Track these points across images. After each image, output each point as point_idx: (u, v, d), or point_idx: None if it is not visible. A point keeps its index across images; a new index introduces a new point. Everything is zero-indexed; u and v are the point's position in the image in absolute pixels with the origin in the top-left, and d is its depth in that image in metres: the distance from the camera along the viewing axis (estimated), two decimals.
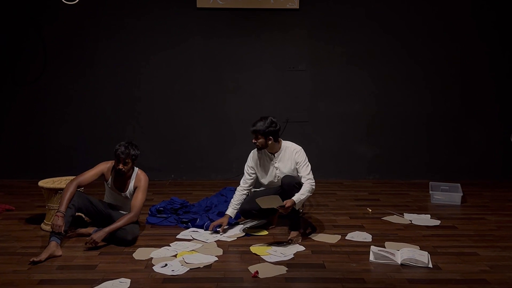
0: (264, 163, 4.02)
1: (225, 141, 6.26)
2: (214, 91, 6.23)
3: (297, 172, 3.92)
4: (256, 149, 4.03)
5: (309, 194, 3.80)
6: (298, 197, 3.70)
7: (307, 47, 6.20)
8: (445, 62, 6.21)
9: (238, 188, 4.09)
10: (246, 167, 4.08)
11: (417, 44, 6.19)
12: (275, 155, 3.97)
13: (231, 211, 4.03)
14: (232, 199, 4.07)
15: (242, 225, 4.19)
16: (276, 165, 3.97)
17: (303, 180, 3.82)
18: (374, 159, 6.33)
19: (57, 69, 6.10)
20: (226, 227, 4.05)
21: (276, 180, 4.01)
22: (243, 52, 6.19)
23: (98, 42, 6.10)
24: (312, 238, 3.91)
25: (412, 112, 6.27)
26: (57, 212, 3.57)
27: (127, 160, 3.77)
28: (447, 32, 6.18)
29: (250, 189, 4.14)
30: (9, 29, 6.02)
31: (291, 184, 3.80)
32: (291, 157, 3.93)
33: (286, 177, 3.88)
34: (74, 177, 3.87)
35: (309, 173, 3.85)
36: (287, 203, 3.62)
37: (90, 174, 3.83)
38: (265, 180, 4.09)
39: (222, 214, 4.34)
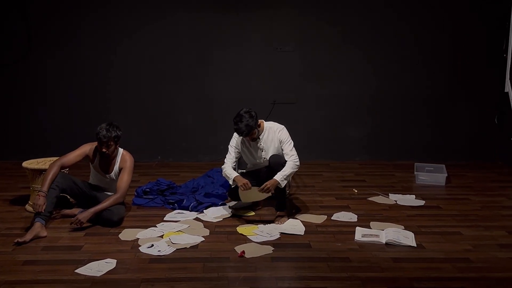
0: (248, 145, 4.01)
1: (212, 122, 6.22)
2: (200, 71, 6.17)
3: (282, 150, 3.93)
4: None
5: (293, 170, 3.80)
6: (281, 174, 3.73)
7: (296, 26, 6.14)
8: (434, 43, 6.19)
9: (226, 164, 3.95)
10: (230, 147, 4.03)
11: (407, 24, 6.15)
12: (260, 137, 3.96)
13: (234, 174, 3.89)
14: (227, 171, 3.90)
15: (228, 206, 4.19)
16: (261, 146, 3.97)
17: (286, 158, 3.84)
18: (361, 140, 6.35)
19: (39, 48, 5.97)
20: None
21: (262, 161, 4.02)
22: (230, 30, 6.11)
23: (80, 19, 5.96)
24: (299, 218, 3.93)
25: (398, 93, 6.27)
26: (38, 191, 3.53)
27: (109, 143, 3.72)
28: (441, 11, 6.12)
29: (235, 166, 4.09)
30: None
31: (278, 163, 3.81)
32: (275, 137, 3.93)
33: (273, 156, 3.89)
34: (58, 158, 3.82)
35: (292, 150, 3.86)
36: (267, 184, 3.69)
37: (74, 155, 3.78)
38: (250, 161, 4.10)
39: (209, 195, 4.35)
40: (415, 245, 3.36)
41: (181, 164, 6.03)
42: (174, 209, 4.16)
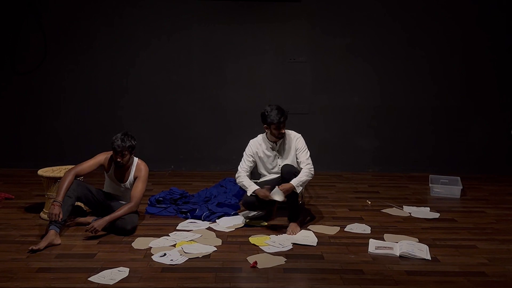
0: (265, 152, 4.00)
1: (225, 132, 6.25)
2: (214, 81, 6.21)
3: (297, 158, 3.94)
4: (256, 138, 4.04)
5: (307, 178, 3.81)
6: (297, 180, 3.75)
7: (308, 38, 6.17)
8: (448, 55, 6.18)
9: (241, 173, 3.93)
10: (245, 155, 4.01)
11: (420, 36, 6.16)
12: (277, 143, 3.95)
13: (254, 187, 3.86)
14: (245, 182, 3.89)
15: (241, 216, 4.19)
16: (277, 153, 3.98)
17: (302, 165, 3.86)
18: (374, 151, 6.32)
19: (56, 57, 6.07)
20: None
21: (276, 170, 4.02)
22: (243, 42, 6.16)
23: (96, 31, 6.07)
24: (311, 229, 3.90)
25: (413, 105, 6.25)
26: (53, 201, 3.56)
27: (124, 153, 3.75)
28: (451, 24, 6.13)
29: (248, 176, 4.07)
30: (8, 17, 5.98)
31: (290, 172, 3.81)
32: (292, 144, 3.95)
33: (286, 166, 3.89)
34: (73, 166, 3.85)
35: (308, 158, 3.89)
36: (284, 186, 3.70)
37: (89, 164, 3.82)
38: (265, 169, 4.08)
39: (221, 204, 4.35)
40: (430, 258, 3.32)
41: (194, 174, 6.05)
42: (186, 218, 4.17)
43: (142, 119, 6.20)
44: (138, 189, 3.82)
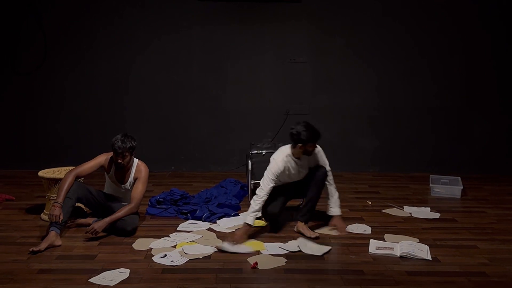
0: (289, 168, 3.85)
1: (225, 133, 6.25)
2: (214, 82, 6.21)
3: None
4: (281, 158, 3.80)
5: (335, 190, 4.00)
6: (335, 205, 3.96)
7: (308, 38, 6.17)
8: (448, 55, 6.18)
9: (257, 198, 3.68)
10: (271, 175, 3.73)
11: (420, 36, 6.16)
12: (301, 158, 3.86)
13: (251, 219, 3.63)
14: (250, 208, 3.65)
15: (241, 217, 4.18)
16: (301, 167, 3.90)
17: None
18: (374, 152, 6.32)
19: (56, 58, 6.07)
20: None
21: (297, 178, 3.97)
22: (244, 43, 6.16)
23: (97, 31, 6.07)
24: (312, 230, 3.90)
25: (413, 105, 6.25)
26: (54, 202, 3.56)
27: (125, 154, 3.75)
28: (451, 24, 6.14)
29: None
30: (8, 17, 5.99)
31: (323, 174, 3.89)
32: (314, 157, 3.90)
33: (315, 168, 3.92)
34: (73, 167, 3.86)
35: (328, 165, 3.98)
36: (336, 225, 3.92)
37: (89, 166, 3.82)
38: (289, 179, 3.94)
39: (222, 205, 4.35)
40: (430, 259, 3.32)
41: (194, 174, 6.05)
42: (187, 219, 4.17)
43: (143, 119, 6.20)
44: (138, 190, 3.82)
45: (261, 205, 3.69)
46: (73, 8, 6.01)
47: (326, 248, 3.46)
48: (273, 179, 3.73)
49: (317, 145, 3.88)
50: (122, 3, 6.05)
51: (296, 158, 3.84)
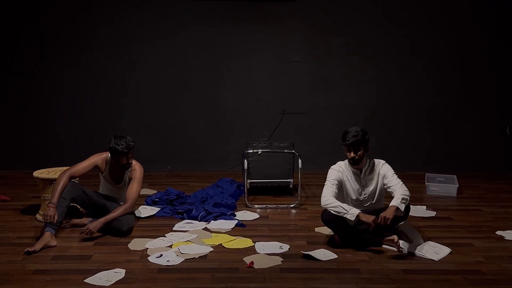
0: (350, 179, 3.59)
1: (222, 133, 6.24)
2: (210, 81, 6.20)
3: (384, 185, 3.52)
4: (338, 164, 3.65)
5: (406, 194, 3.35)
6: (398, 199, 3.30)
7: (304, 37, 6.17)
8: (444, 54, 6.20)
9: (328, 197, 3.41)
10: (328, 182, 3.53)
11: (416, 35, 6.17)
12: (362, 170, 3.57)
13: (355, 210, 3.32)
14: (339, 203, 3.37)
15: (237, 216, 4.18)
16: (363, 182, 3.57)
17: (392, 189, 3.44)
18: (371, 150, 6.29)
19: (52, 59, 6.06)
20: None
21: (361, 199, 3.57)
22: (240, 42, 6.16)
23: (95, 31, 6.06)
24: (308, 228, 3.90)
25: (409, 103, 6.26)
26: (48, 203, 3.55)
27: (129, 154, 3.76)
28: (447, 23, 6.16)
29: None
30: (6, 19, 5.97)
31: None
32: (376, 171, 3.57)
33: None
34: (67, 168, 3.84)
35: (398, 181, 3.45)
36: (384, 215, 3.22)
37: (83, 166, 3.80)
38: (353, 195, 3.60)
39: (218, 205, 4.34)
40: (436, 260, 3.29)
41: (191, 174, 6.05)
42: (183, 219, 4.16)
43: (140, 119, 6.19)
44: (133, 190, 3.81)
45: (335, 200, 3.37)
46: (71, 9, 6.00)
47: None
48: (333, 183, 3.49)
49: (375, 159, 3.58)
50: (122, 4, 6.04)
51: (353, 167, 3.58)
